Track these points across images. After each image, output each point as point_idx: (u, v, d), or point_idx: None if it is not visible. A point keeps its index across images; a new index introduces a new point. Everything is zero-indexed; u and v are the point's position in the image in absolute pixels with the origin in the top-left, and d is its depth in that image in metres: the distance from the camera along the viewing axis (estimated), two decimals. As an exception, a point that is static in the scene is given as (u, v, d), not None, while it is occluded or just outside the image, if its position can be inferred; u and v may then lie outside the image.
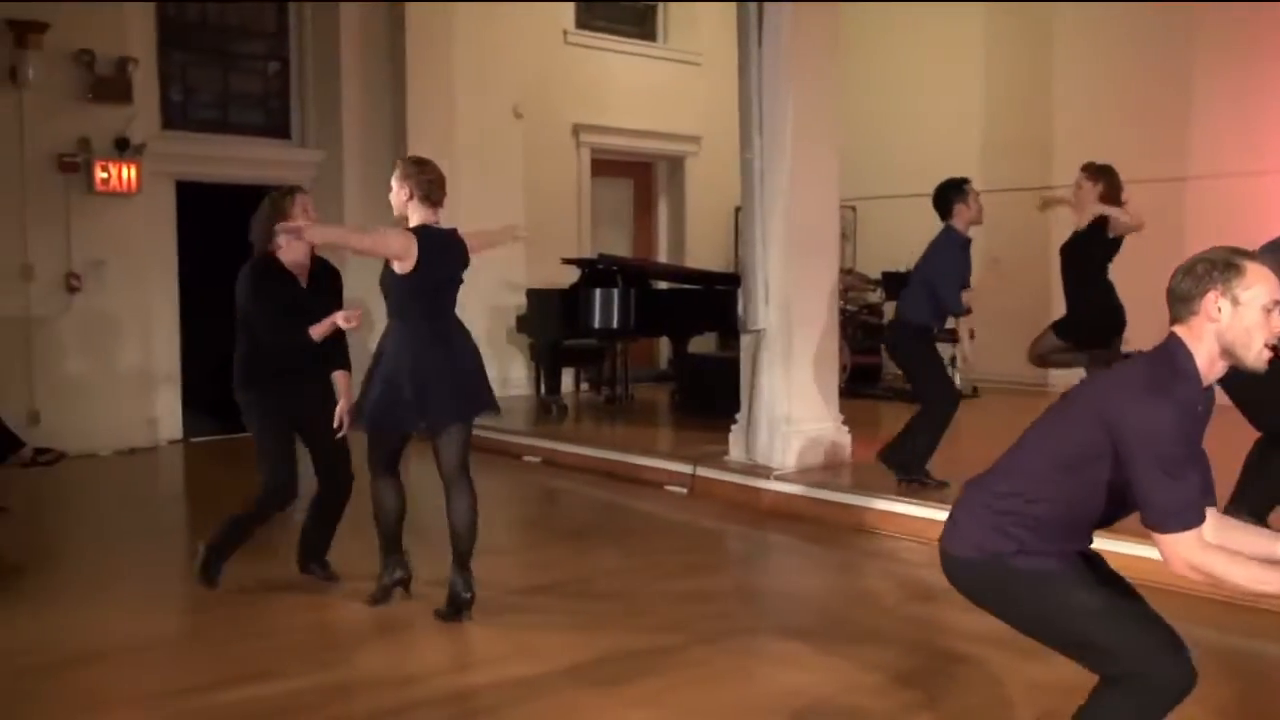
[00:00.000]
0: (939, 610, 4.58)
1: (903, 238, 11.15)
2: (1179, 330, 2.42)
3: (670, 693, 3.75)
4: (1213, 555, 2.33)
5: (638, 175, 12.96)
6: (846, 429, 7.08)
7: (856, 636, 4.32)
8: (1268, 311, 2.33)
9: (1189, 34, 9.97)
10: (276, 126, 9.97)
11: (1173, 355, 2.40)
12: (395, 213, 4.56)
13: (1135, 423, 2.31)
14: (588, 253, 11.08)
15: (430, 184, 4.45)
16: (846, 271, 10.91)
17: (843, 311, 9.16)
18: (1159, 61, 10.16)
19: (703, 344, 10.89)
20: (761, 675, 3.93)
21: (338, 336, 4.69)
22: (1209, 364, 2.38)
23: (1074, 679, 2.70)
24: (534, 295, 9.89)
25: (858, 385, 10.50)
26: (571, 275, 9.94)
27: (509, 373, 10.85)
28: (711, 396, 8.47)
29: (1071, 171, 9.63)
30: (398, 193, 4.47)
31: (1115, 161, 9.93)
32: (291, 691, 3.74)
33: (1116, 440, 2.33)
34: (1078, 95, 10.84)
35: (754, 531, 6.32)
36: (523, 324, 10.16)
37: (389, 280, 4.43)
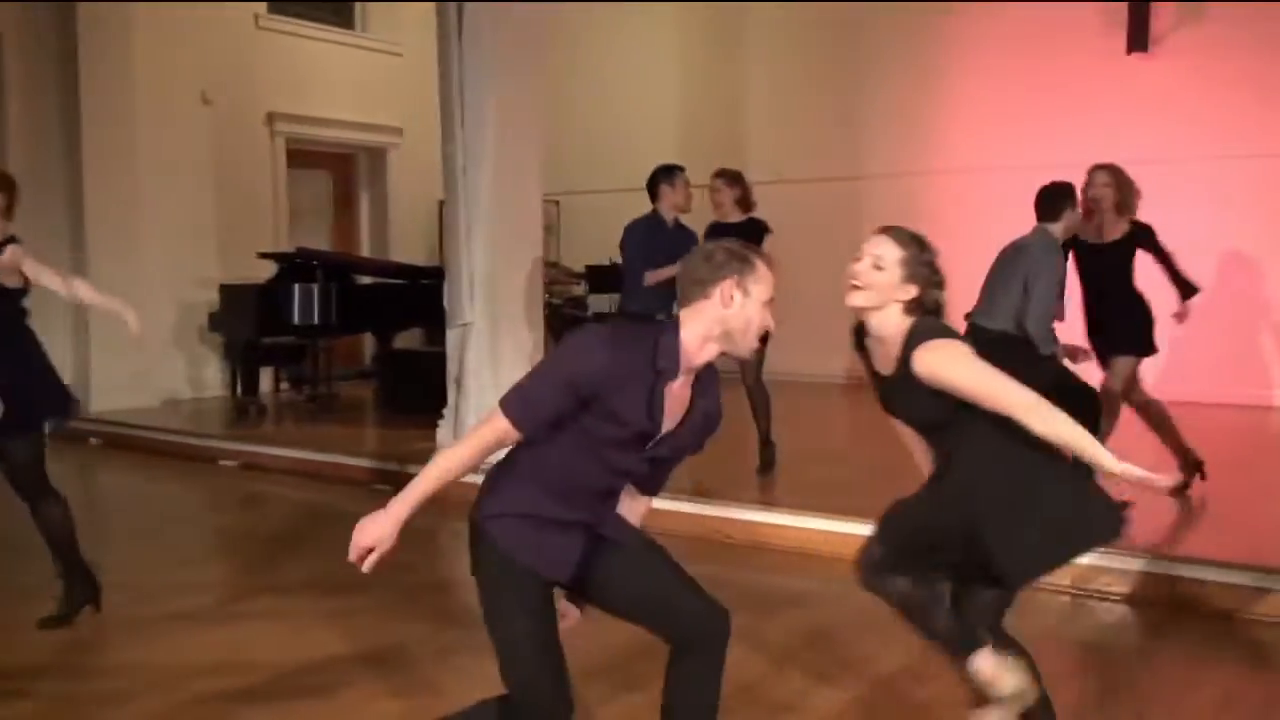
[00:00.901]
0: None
1: (606, 232, 11.41)
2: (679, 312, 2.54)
3: (387, 698, 3.69)
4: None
5: (337, 167, 12.59)
6: (552, 422, 7.14)
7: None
8: (765, 306, 2.52)
9: (866, 37, 10.72)
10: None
11: (661, 329, 2.51)
12: None
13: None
14: (285, 247, 10.68)
15: None
16: (551, 265, 11.03)
17: (548, 305, 9.24)
18: (839, 63, 10.86)
19: (408, 339, 10.73)
20: (483, 670, 3.90)
21: None
22: (699, 344, 2.51)
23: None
24: (228, 291, 9.43)
25: (565, 377, 10.63)
26: (268, 270, 9.54)
27: (202, 373, 10.31)
28: (418, 392, 8.36)
29: (765, 167, 10.16)
30: None
31: (797, 160, 10.57)
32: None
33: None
34: (767, 95, 11.42)
35: (465, 526, 6.27)
36: (216, 322, 9.66)
37: None
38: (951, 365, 2.63)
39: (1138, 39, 9.28)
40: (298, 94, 11.41)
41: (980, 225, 10.19)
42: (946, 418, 2.71)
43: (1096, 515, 2.74)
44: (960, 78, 10.23)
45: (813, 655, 4.02)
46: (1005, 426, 2.60)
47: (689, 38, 12.12)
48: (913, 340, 2.68)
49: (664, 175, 6.45)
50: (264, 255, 9.64)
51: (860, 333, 2.89)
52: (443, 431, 7.09)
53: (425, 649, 4.13)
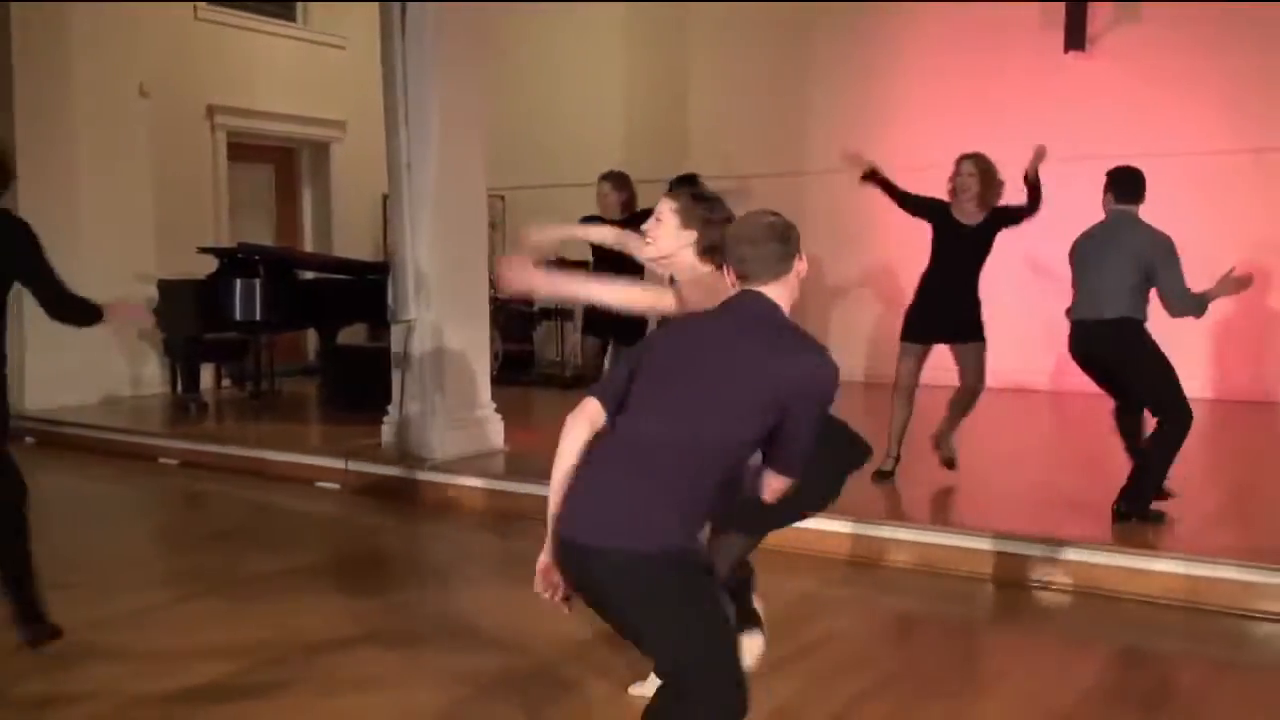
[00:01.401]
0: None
1: (551, 227, 11.40)
2: (765, 289, 2.51)
3: (330, 696, 3.66)
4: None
5: (280, 161, 12.44)
6: (499, 417, 7.14)
7: (520, 621, 4.38)
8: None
9: (809, 34, 10.80)
10: None
11: (777, 310, 2.51)
12: None
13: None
14: (226, 241, 10.54)
15: None
16: (497, 260, 11.00)
17: (493, 300, 9.21)
18: (783, 61, 10.94)
19: (352, 335, 10.63)
20: (425, 669, 3.90)
21: None
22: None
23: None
24: (167, 287, 9.29)
25: (510, 373, 10.63)
26: (209, 265, 9.40)
27: (141, 370, 10.15)
28: (362, 388, 8.29)
29: (710, 163, 10.19)
30: None
31: (743, 156, 10.63)
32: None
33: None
34: (711, 91, 11.47)
35: (411, 524, 6.27)
36: (155, 318, 9.51)
37: None
38: None
39: (1074, 38, 9.44)
40: (238, 87, 11.26)
41: (921, 221, 10.34)
42: None
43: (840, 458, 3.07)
44: (902, 75, 10.34)
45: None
46: None
47: (634, 34, 12.13)
48: None
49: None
50: (204, 250, 9.50)
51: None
52: (387, 428, 7.05)
53: (376, 645, 4.11)
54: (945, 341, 5.90)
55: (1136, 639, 4.24)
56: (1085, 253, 5.25)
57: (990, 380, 6.16)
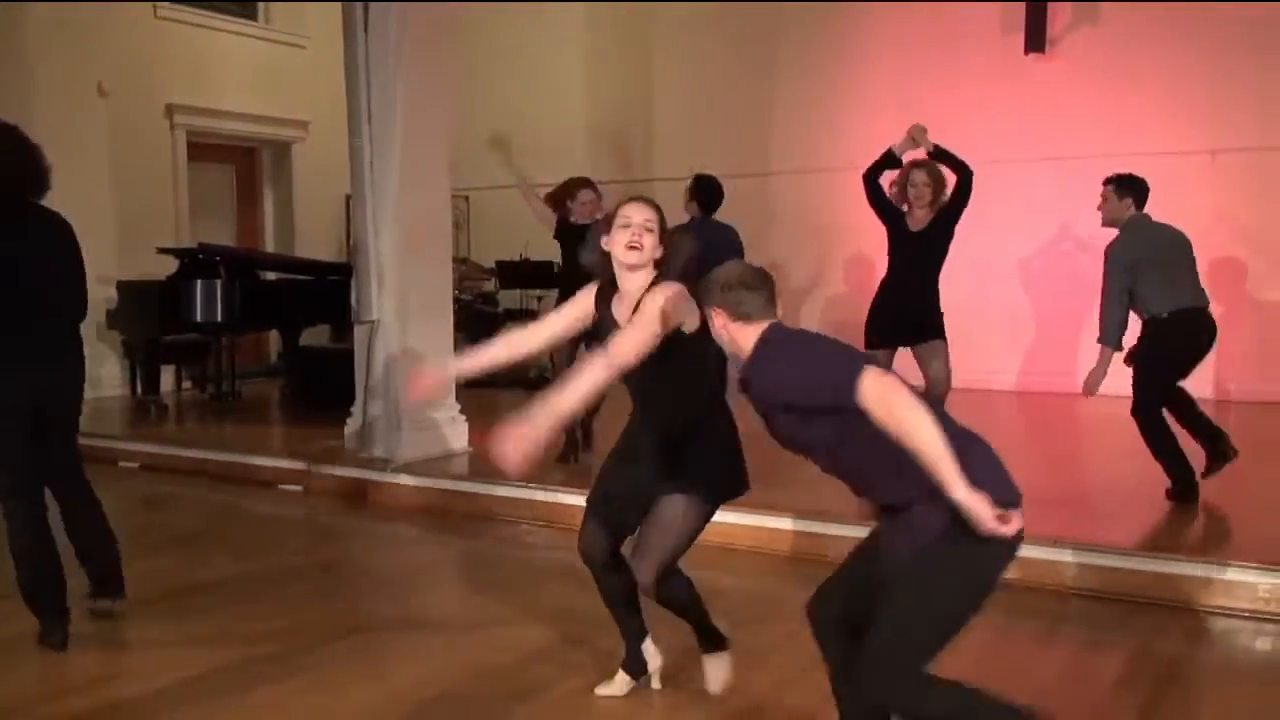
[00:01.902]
0: (565, 590, 4.73)
1: (517, 227, 11.38)
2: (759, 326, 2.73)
3: (297, 697, 3.64)
4: None
5: (240, 161, 12.34)
6: (464, 418, 7.13)
7: (486, 622, 4.37)
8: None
9: (773, 36, 10.84)
10: None
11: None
12: None
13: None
14: (187, 242, 10.44)
15: None
16: (461, 261, 10.97)
17: (458, 301, 9.18)
18: (747, 62, 10.97)
19: (315, 336, 10.57)
20: (391, 670, 3.89)
21: None
22: None
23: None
24: (127, 288, 9.20)
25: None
26: (169, 266, 9.32)
27: (99, 372, 10.03)
28: (325, 390, 8.25)
29: (673, 164, 10.21)
30: None
31: (708, 156, 10.63)
32: None
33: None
34: (675, 92, 11.49)
35: (376, 525, 6.23)
36: (114, 319, 9.41)
37: None
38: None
39: (1035, 40, 9.54)
40: (198, 86, 11.15)
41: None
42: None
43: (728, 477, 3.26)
44: (865, 76, 10.40)
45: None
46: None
47: (598, 34, 12.12)
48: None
49: None
50: (164, 251, 9.41)
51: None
52: (350, 430, 7.01)
53: (340, 647, 4.09)
54: (906, 343, 5.90)
55: (1095, 634, 4.29)
56: (1173, 249, 5.52)
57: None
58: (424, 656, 4.00)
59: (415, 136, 6.70)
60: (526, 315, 11.29)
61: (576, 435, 6.56)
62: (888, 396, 2.37)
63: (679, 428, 3.23)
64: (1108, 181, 5.68)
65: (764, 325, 2.69)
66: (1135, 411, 5.43)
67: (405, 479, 6.56)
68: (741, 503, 3.51)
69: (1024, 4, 9.52)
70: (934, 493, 2.37)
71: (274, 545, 5.77)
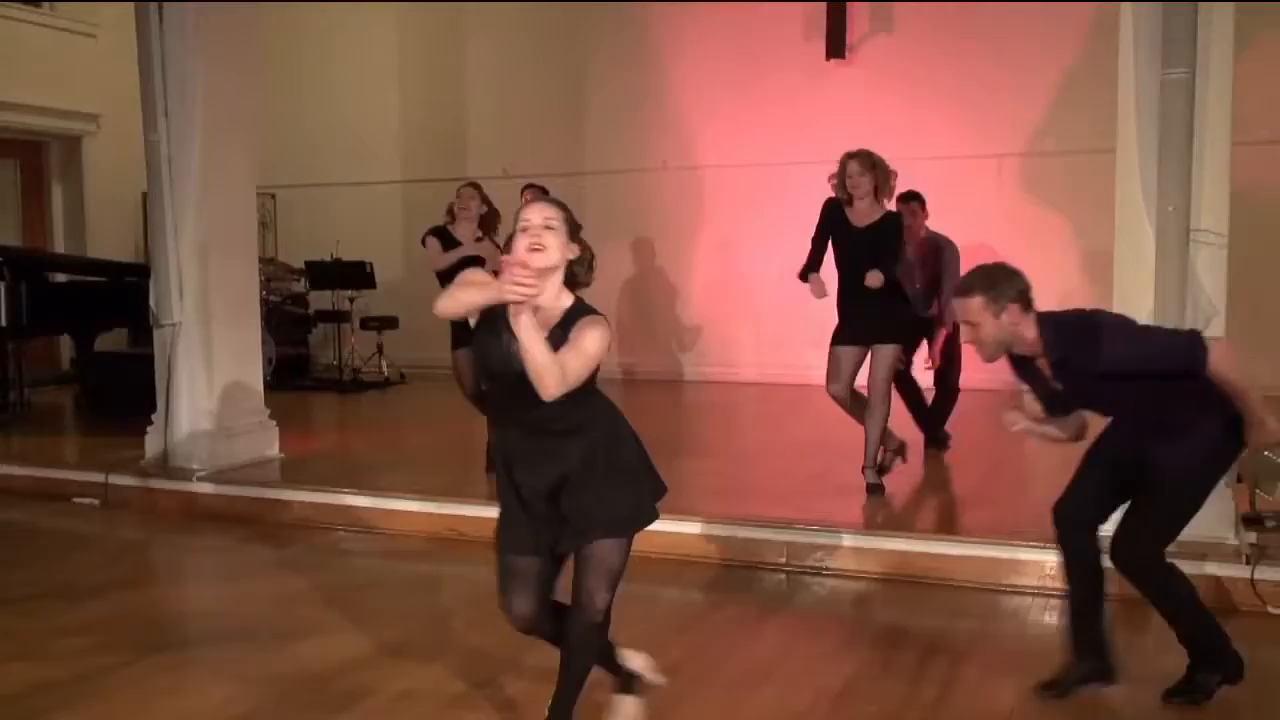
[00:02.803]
0: (375, 597, 4.65)
1: (327, 227, 11.12)
2: None
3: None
4: None
5: (25, 155, 11.64)
6: (274, 423, 6.92)
7: (299, 633, 4.26)
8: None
9: (584, 36, 10.91)
10: None
11: None
12: None
13: None
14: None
15: None
16: (268, 261, 10.63)
17: (265, 302, 8.90)
18: (557, 61, 11.01)
19: (112, 341, 10.07)
20: (194, 690, 3.75)
21: None
22: None
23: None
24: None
25: (284, 378, 10.30)
26: (-55, 268, 8.71)
27: None
28: (123, 397, 7.87)
29: (487, 164, 10.17)
30: None
31: (520, 156, 10.65)
32: None
33: None
34: (488, 92, 11.44)
35: (180, 538, 5.99)
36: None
37: None
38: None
39: (835, 46, 9.89)
40: (-24, 75, 10.47)
41: (695, 220, 10.65)
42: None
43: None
44: (674, 78, 10.59)
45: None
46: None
47: (410, 33, 11.96)
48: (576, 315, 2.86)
49: None
50: (-59, 251, 8.81)
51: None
52: (152, 438, 6.71)
53: (144, 662, 3.91)
54: (867, 344, 5.65)
55: (898, 617, 4.50)
56: None
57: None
58: (231, 673, 3.87)
59: (217, 131, 6.46)
60: (338, 316, 11.04)
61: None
62: (1231, 357, 3.19)
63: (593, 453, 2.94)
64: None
65: (1036, 313, 3.38)
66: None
67: (211, 487, 6.32)
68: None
69: (825, 8, 9.84)
70: (1207, 412, 3.28)
71: (68, 562, 5.47)
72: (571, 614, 2.98)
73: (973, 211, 9.36)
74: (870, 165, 5.59)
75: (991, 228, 9.27)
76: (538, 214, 2.87)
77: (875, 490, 5.69)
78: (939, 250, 6.73)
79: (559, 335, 2.80)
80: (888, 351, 5.64)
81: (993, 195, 9.43)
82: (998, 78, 9.51)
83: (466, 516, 5.60)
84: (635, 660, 3.25)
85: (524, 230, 2.85)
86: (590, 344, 2.79)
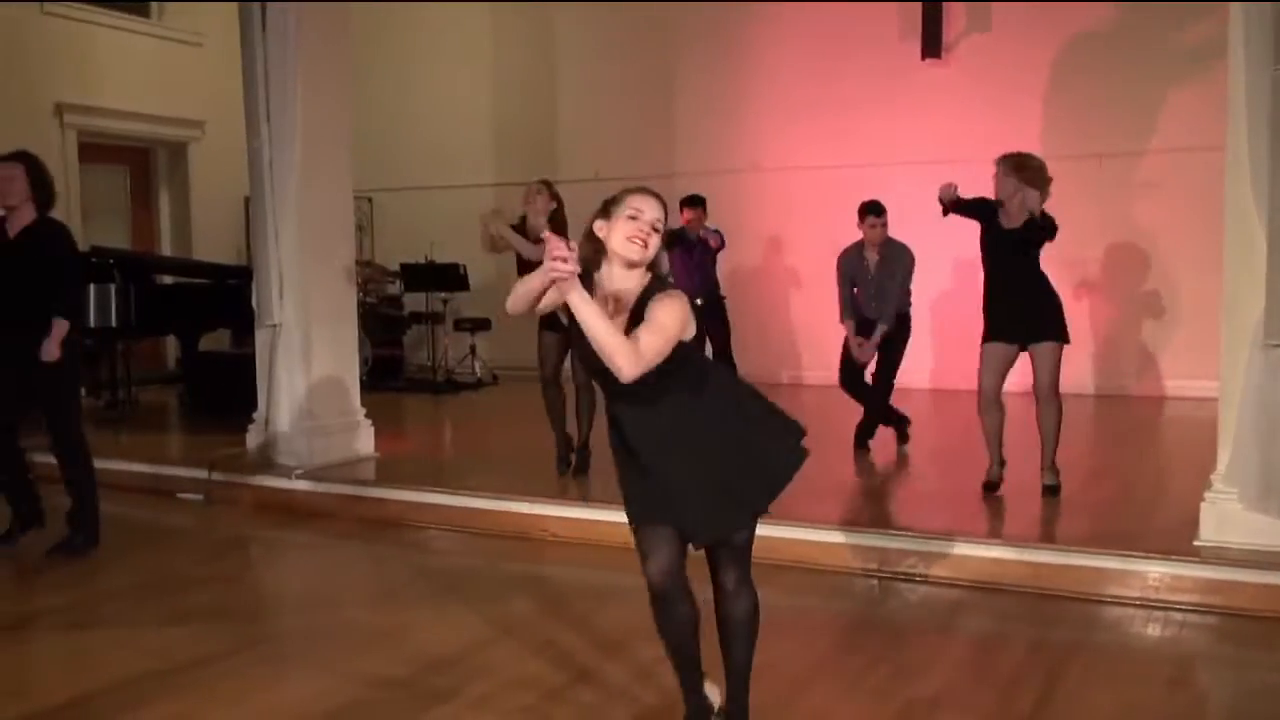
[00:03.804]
0: (467, 595, 4.70)
1: (421, 229, 11.28)
2: None
3: (192, 714, 3.55)
4: None
5: (135, 162, 12.02)
6: (369, 422, 7.04)
7: (391, 630, 4.32)
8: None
9: (675, 37, 10.92)
10: None
11: None
12: None
13: None
14: (79, 246, 10.12)
15: None
16: (364, 264, 10.83)
17: (362, 304, 9.07)
18: (649, 64, 11.02)
19: (215, 341, 10.35)
20: (290, 683, 3.83)
21: None
22: None
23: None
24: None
25: (379, 378, 10.48)
26: (60, 270, 9.02)
27: None
28: (226, 396, 8.08)
29: (577, 166, 10.22)
30: None
31: (610, 158, 10.68)
32: None
33: None
34: (579, 94, 11.50)
35: (279, 533, 6.12)
36: (2, 325, 9.08)
37: None
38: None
39: (931, 45, 9.75)
40: (89, 84, 10.84)
41: (788, 221, 10.57)
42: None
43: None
44: (765, 79, 10.54)
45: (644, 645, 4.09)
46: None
47: (502, 36, 12.08)
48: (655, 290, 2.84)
49: None
50: (55, 255, 9.11)
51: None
52: (252, 436, 6.88)
53: (241, 657, 4.01)
54: (1022, 342, 5.61)
55: (993, 627, 4.41)
56: None
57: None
58: (326, 667, 3.94)
59: (316, 136, 6.60)
60: (432, 318, 11.20)
61: (575, 451, 6.39)
62: None
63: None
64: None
65: None
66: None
67: (309, 485, 6.45)
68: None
69: (921, 7, 9.71)
70: None
71: (172, 556, 5.63)
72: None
73: (1073, 211, 9.16)
74: (1013, 168, 5.52)
75: (1092, 228, 9.06)
76: (652, 211, 2.85)
77: (1052, 491, 5.61)
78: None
79: (637, 315, 2.81)
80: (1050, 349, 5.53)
81: (1093, 194, 9.20)
82: (1096, 75, 9.29)
83: (557, 517, 5.64)
84: (715, 694, 3.20)
85: (633, 219, 2.83)
86: (665, 317, 2.76)
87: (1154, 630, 4.23)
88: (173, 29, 11.71)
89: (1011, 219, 5.56)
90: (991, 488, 5.74)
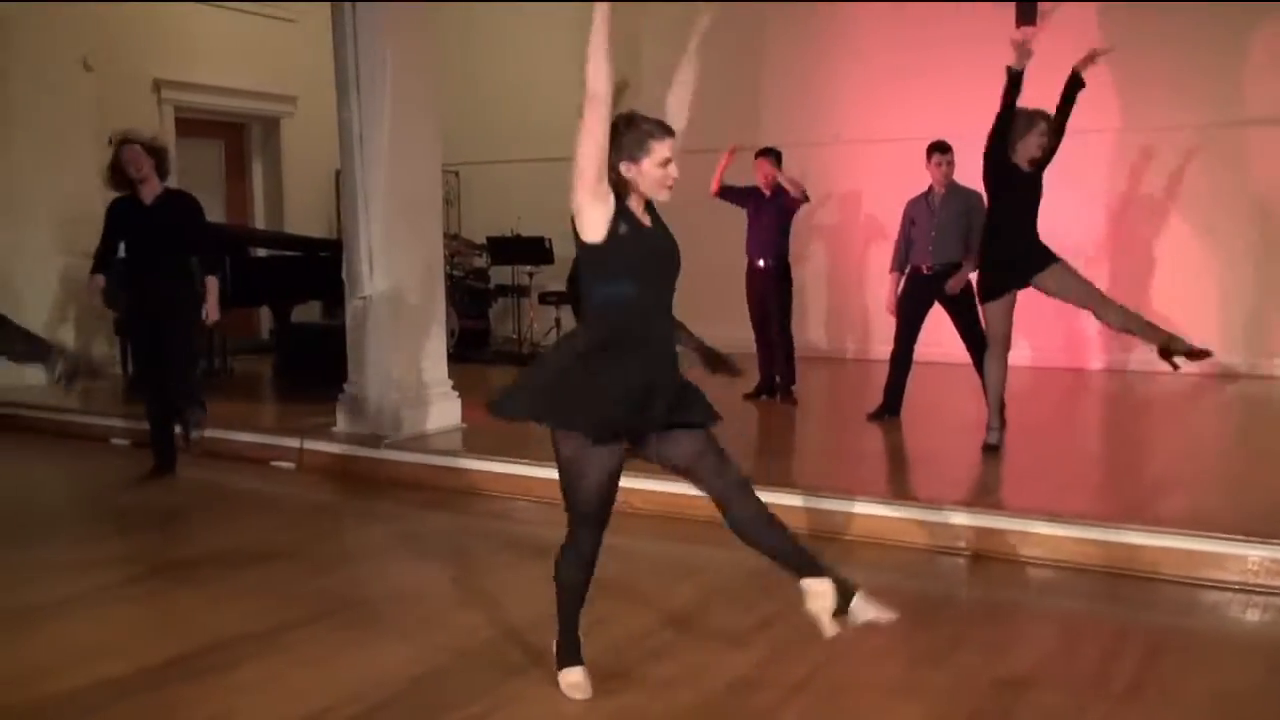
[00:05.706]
0: (550, 565, 4.73)
1: (507, 203, 11.35)
2: None
3: (280, 676, 3.63)
4: None
5: (229, 136, 12.27)
6: (456, 394, 7.12)
7: (474, 599, 4.38)
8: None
9: (762, 9, 10.78)
10: None
11: None
12: None
13: None
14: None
15: None
16: (452, 237, 10.93)
17: (449, 277, 9.16)
18: (732, 35, 10.89)
19: (306, 313, 10.54)
20: (375, 648, 3.89)
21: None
22: None
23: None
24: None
25: (466, 350, 10.58)
26: (158, 242, 9.25)
27: (90, 349, 9.99)
28: (317, 366, 8.23)
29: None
30: None
31: (699, 130, 10.47)
32: None
33: None
34: (662, 66, 11.37)
35: (367, 502, 6.23)
36: (106, 296, 9.34)
37: None
38: None
39: (1026, 14, 9.44)
40: (185, 61, 11.07)
41: (872, 192, 10.42)
42: None
43: None
44: (850, 49, 10.39)
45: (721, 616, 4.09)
46: None
47: (590, 10, 12.01)
48: None
49: None
50: (153, 227, 9.35)
51: None
52: (342, 406, 7.00)
53: (329, 622, 4.09)
54: (1033, 277, 5.76)
55: (1086, 608, 4.31)
56: None
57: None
58: (411, 633, 4.00)
59: (405, 110, 6.66)
60: (517, 291, 11.27)
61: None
62: None
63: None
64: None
65: None
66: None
67: (397, 455, 6.55)
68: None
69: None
70: None
71: (263, 521, 5.77)
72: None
73: (1172, 182, 8.89)
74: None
75: (1192, 199, 8.78)
76: (672, 152, 3.35)
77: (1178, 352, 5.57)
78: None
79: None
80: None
81: (1191, 166, 8.90)
82: (1195, 45, 8.97)
83: (638, 489, 5.64)
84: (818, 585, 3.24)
85: (663, 166, 3.32)
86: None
87: (1253, 616, 4.11)
88: (267, 5, 11.90)
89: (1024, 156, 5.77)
90: (995, 449, 5.86)
